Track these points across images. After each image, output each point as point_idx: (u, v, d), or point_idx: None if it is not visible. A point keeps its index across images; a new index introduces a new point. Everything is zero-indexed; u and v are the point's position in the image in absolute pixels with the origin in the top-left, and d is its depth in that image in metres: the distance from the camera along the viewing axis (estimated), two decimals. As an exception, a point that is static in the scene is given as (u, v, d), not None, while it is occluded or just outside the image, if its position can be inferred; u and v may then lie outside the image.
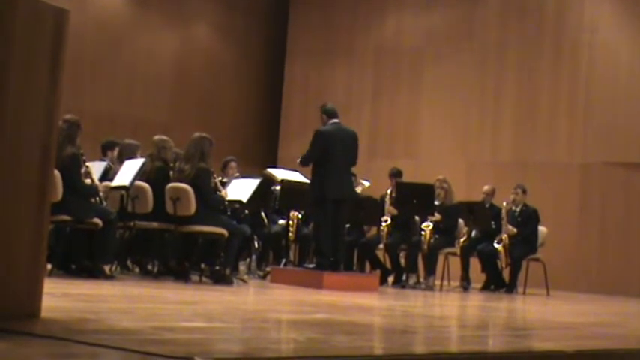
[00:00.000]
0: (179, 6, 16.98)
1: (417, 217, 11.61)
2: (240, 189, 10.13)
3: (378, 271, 11.73)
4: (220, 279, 8.98)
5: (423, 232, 11.40)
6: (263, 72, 18.40)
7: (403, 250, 11.69)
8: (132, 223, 9.20)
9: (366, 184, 12.20)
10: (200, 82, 17.27)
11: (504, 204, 12.08)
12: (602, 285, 14.00)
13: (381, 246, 11.76)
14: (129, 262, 10.04)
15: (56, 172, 7.56)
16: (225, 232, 9.02)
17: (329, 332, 4.69)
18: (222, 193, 9.49)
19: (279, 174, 11.52)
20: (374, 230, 12.28)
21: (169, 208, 9.09)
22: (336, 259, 9.91)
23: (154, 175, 9.41)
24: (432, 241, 11.42)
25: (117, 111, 15.71)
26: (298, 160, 10.18)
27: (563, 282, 13.51)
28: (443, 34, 16.52)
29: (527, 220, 12.12)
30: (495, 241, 11.88)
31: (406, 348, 4.37)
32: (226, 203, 9.67)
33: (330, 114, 10.12)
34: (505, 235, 11.85)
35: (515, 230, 11.90)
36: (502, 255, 11.85)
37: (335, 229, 9.91)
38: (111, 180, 9.25)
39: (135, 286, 7.94)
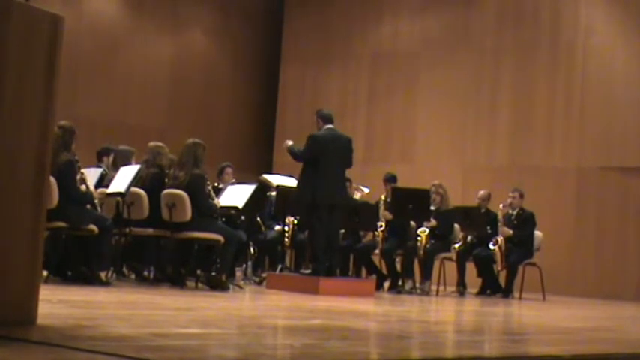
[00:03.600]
0: (174, 12, 16.99)
1: (412, 223, 11.62)
2: (235, 195, 10.12)
3: (374, 277, 11.73)
4: (216, 285, 8.97)
5: (418, 238, 11.41)
6: (258, 77, 18.41)
7: (399, 255, 11.69)
8: (128, 230, 9.21)
9: (366, 190, 12.21)
10: (195, 88, 17.28)
11: (500, 206, 12.10)
12: (599, 290, 14.01)
13: (377, 251, 11.77)
14: (125, 269, 10.03)
15: (52, 179, 7.55)
16: (221, 238, 9.01)
17: (325, 338, 4.69)
18: (215, 201, 9.48)
19: (275, 180, 11.53)
20: (370, 236, 12.28)
21: (165, 214, 9.08)
22: (331, 264, 9.92)
23: (150, 181, 9.41)
24: (427, 246, 11.43)
25: (112, 117, 15.71)
26: (289, 144, 10.11)
27: (559, 287, 13.52)
28: (438, 39, 16.54)
29: (524, 223, 12.13)
30: (491, 242, 11.89)
31: (402, 353, 4.36)
32: (219, 211, 9.64)
33: (325, 119, 10.12)
34: (501, 238, 11.87)
35: (510, 232, 11.93)
36: (498, 257, 11.86)
37: (329, 235, 9.90)
38: (106, 186, 9.25)
39: (131, 292, 7.93)
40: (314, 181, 9.80)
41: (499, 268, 12.03)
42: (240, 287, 9.68)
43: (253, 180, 11.30)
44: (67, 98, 12.94)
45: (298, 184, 10.15)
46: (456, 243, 12.07)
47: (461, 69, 16.17)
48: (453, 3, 16.52)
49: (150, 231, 9.26)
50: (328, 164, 9.84)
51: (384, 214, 11.67)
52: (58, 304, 5.74)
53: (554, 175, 14.98)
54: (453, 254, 11.99)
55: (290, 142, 10.20)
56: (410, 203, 11.25)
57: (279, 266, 11.35)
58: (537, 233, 12.30)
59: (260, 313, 6.94)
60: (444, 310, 9.12)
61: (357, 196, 12.04)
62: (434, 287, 11.63)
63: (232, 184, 10.86)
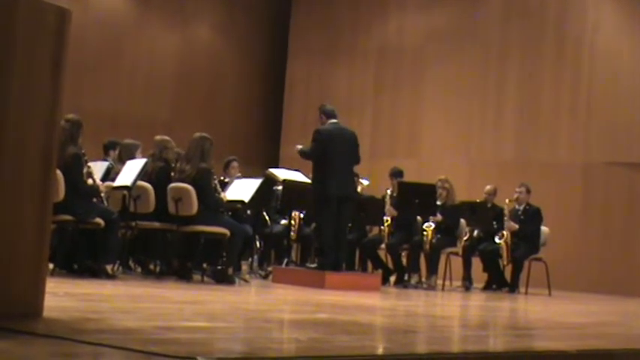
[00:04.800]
0: (180, 5, 16.99)
1: (418, 217, 11.60)
2: (242, 189, 10.12)
3: (380, 271, 11.72)
4: (222, 279, 8.98)
5: (424, 232, 11.40)
6: (265, 71, 18.40)
7: (405, 249, 11.69)
8: (134, 223, 9.20)
9: (365, 182, 12.19)
10: (202, 82, 17.27)
11: (507, 201, 12.08)
12: (605, 285, 13.99)
13: (383, 246, 11.76)
14: (131, 262, 10.04)
15: (58, 172, 7.56)
16: (227, 231, 9.01)
17: (331, 332, 4.69)
18: (222, 195, 9.49)
19: (281, 174, 11.52)
20: (376, 230, 12.27)
21: (171, 208, 9.09)
22: (338, 258, 9.91)
23: (156, 175, 9.42)
24: (433, 241, 11.41)
25: (119, 111, 15.72)
26: (299, 147, 10.13)
27: (565, 282, 13.49)
28: (445, 33, 16.51)
29: (530, 218, 12.11)
30: (497, 236, 11.88)
31: (408, 348, 4.36)
32: (224, 205, 9.64)
33: (329, 114, 10.13)
34: (507, 232, 11.85)
35: (516, 226, 11.91)
36: (504, 251, 11.84)
37: (337, 229, 9.91)
38: (113, 180, 9.25)
39: (137, 285, 7.94)
40: (324, 174, 9.81)
41: (504, 263, 12.01)
42: (246, 281, 9.69)
43: (259, 174, 11.30)
44: (73, 91, 12.93)
45: (312, 179, 10.15)
46: (462, 238, 12.06)
47: (467, 63, 16.15)
48: (459, -3, 16.50)
49: (156, 224, 9.27)
50: (336, 158, 9.85)
51: (389, 210, 11.67)
52: (64, 297, 5.75)
53: (560, 170, 14.95)
54: (459, 249, 11.99)
55: (300, 146, 10.21)
56: (416, 198, 11.25)
57: (285, 260, 11.36)
58: (543, 228, 12.28)
59: (266, 307, 6.95)
60: (450, 305, 9.11)
61: (358, 188, 12.03)
62: (440, 282, 11.63)
63: (238, 177, 10.86)
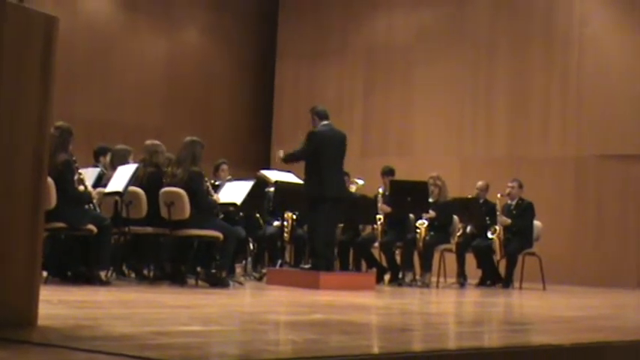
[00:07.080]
0: (168, 10, 16.98)
1: (411, 215, 11.62)
2: (234, 191, 10.11)
3: (374, 270, 11.74)
4: (216, 282, 8.97)
5: (417, 230, 11.42)
6: (254, 74, 18.40)
7: (398, 248, 11.70)
8: (126, 229, 9.19)
9: (360, 182, 12.20)
10: (191, 86, 17.27)
11: (498, 195, 12.09)
12: (599, 278, 14.01)
13: (377, 244, 11.77)
14: (124, 268, 10.01)
15: (49, 180, 7.54)
16: (220, 235, 9.00)
17: (326, 332, 4.69)
18: (215, 197, 9.48)
19: (273, 175, 11.51)
20: (369, 229, 12.28)
21: (164, 212, 9.07)
22: (329, 258, 9.92)
23: (147, 179, 9.40)
24: (427, 238, 11.43)
25: (109, 117, 15.70)
26: (281, 155, 10.14)
27: (559, 276, 13.52)
28: (434, 31, 16.52)
29: (523, 213, 12.14)
30: (489, 232, 11.89)
31: (404, 346, 4.36)
32: (219, 207, 9.65)
33: (322, 116, 10.14)
34: (499, 227, 11.87)
35: (509, 221, 11.92)
36: (497, 246, 11.86)
37: (327, 228, 9.91)
38: (104, 186, 9.24)
39: (131, 291, 7.93)
40: (320, 176, 9.81)
41: (498, 258, 12.04)
42: (241, 284, 9.69)
43: (251, 176, 11.29)
44: (62, 98, 12.89)
45: (306, 181, 10.12)
46: (456, 234, 12.06)
47: (457, 61, 16.16)
48: (447, -6, 16.52)
49: (149, 229, 9.25)
50: (330, 159, 9.88)
51: (382, 207, 11.68)
52: (58, 304, 5.74)
53: (552, 165, 14.97)
54: (452, 246, 11.99)
55: (281, 152, 10.22)
56: (408, 195, 11.26)
57: (279, 262, 11.35)
58: (537, 223, 12.30)
59: (261, 309, 6.94)
60: (445, 302, 9.12)
61: (353, 188, 12.03)
62: (434, 279, 11.64)
63: (229, 180, 10.85)
